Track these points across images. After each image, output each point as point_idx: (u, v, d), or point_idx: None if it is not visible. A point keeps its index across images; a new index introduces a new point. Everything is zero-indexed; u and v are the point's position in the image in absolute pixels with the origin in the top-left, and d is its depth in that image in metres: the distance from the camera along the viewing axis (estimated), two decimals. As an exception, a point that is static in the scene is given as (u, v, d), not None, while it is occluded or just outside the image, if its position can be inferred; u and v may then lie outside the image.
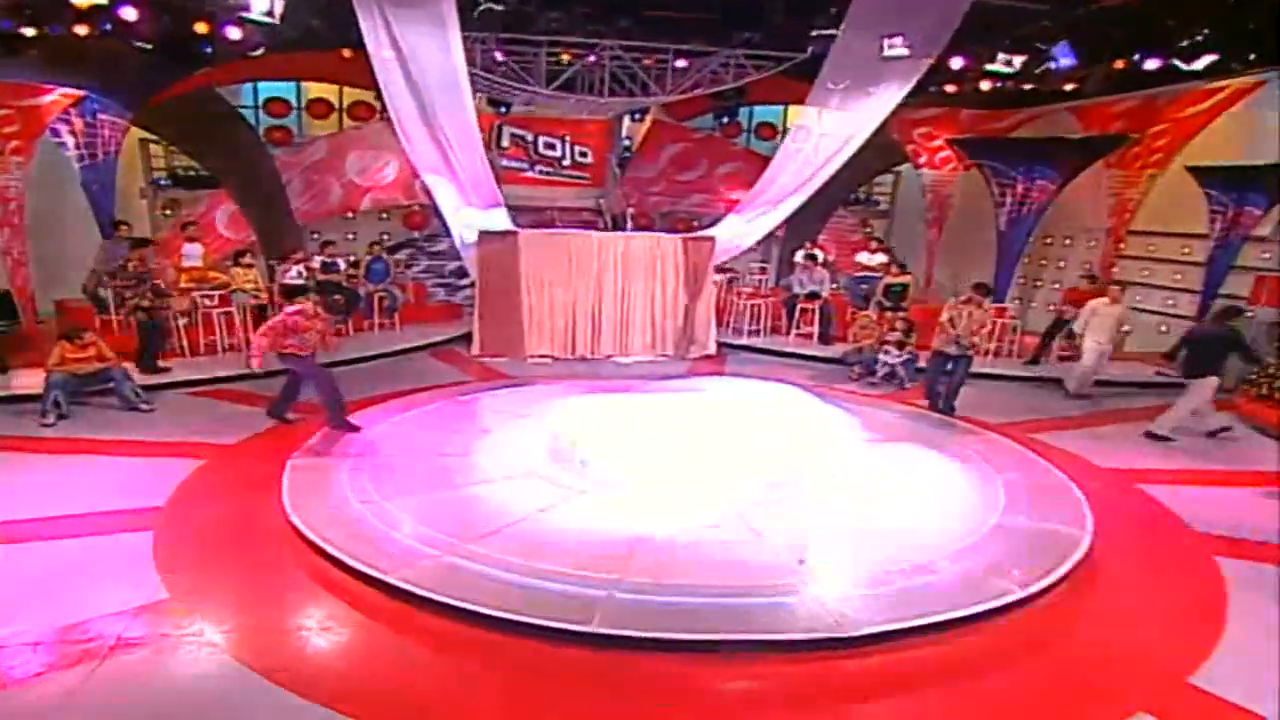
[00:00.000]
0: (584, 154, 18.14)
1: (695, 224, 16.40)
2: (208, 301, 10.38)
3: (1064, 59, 9.59)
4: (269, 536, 5.57)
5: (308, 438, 7.39)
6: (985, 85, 14.51)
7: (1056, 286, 14.75)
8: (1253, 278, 11.48)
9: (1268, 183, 11.53)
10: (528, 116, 16.82)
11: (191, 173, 13.54)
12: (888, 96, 10.38)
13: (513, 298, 11.52)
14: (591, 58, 11.84)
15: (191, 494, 6.26)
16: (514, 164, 16.53)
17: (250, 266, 10.80)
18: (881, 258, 14.18)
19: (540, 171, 17.95)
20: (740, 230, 12.27)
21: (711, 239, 12.24)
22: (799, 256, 14.16)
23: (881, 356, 10.86)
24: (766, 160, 16.89)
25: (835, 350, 12.16)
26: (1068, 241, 15.32)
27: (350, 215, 14.90)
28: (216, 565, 5.15)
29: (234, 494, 6.25)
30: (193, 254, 11.27)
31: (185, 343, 10.17)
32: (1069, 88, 15.03)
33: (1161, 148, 13.55)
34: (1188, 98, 12.64)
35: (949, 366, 8.82)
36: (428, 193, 10.86)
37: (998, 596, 4.70)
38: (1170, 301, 13.12)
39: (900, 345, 10.92)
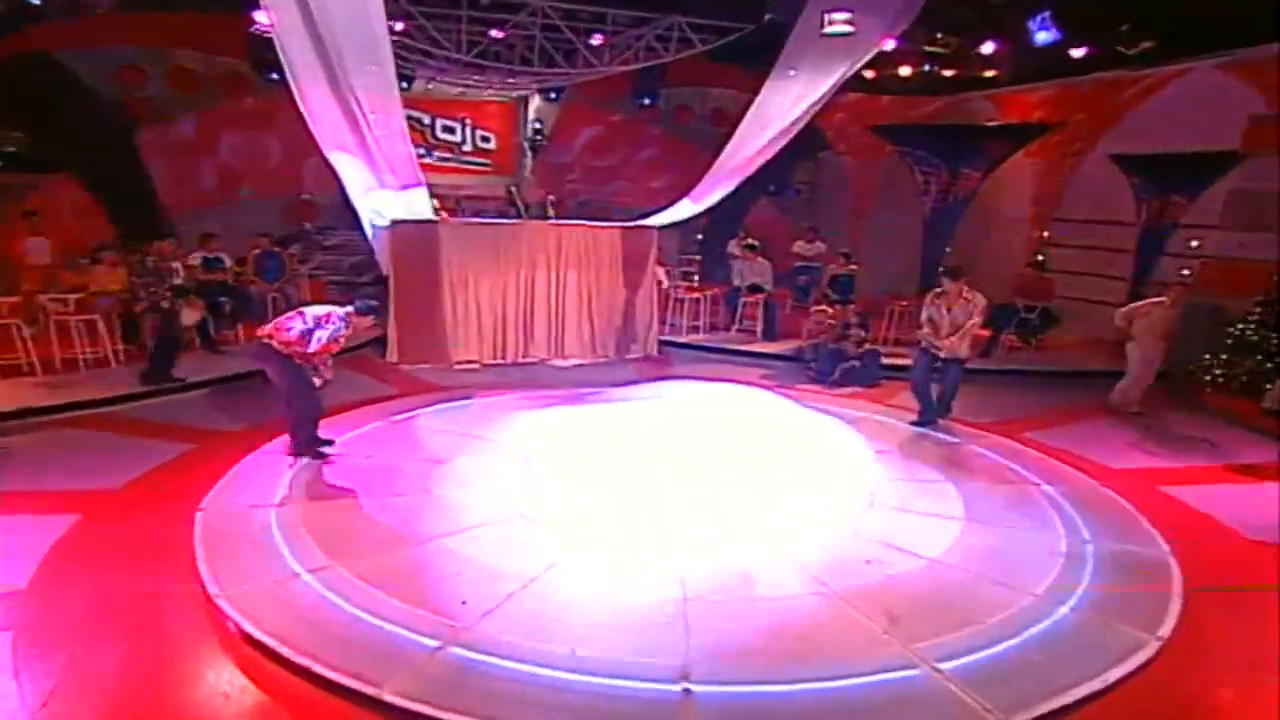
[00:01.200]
0: (486, 138, 16.76)
1: (611, 213, 15.36)
2: (60, 307, 8.46)
3: (1042, 33, 9.06)
4: (181, 627, 4.14)
5: (215, 477, 5.87)
6: (905, 71, 14.19)
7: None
8: (1190, 264, 11.45)
9: (1194, 171, 11.56)
10: (423, 97, 15.32)
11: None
12: (839, 75, 9.61)
13: (434, 297, 10.14)
14: (497, 33, 10.58)
15: (65, 566, 4.68)
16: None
17: (116, 265, 8.90)
18: (820, 247, 13.56)
19: (439, 158, 16.44)
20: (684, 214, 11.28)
21: (652, 229, 11.24)
22: (733, 248, 13.38)
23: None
24: (685, 145, 16.25)
25: (784, 347, 11.40)
26: (993, 230, 15.10)
27: (227, 203, 12.95)
28: (107, 676, 3.71)
29: (126, 562, 4.72)
30: (38, 250, 9.23)
31: (34, 359, 8.22)
32: (989, 74, 14.96)
33: (1082, 136, 13.53)
34: (1109, 86, 12.60)
35: (937, 366, 8.09)
36: (333, 174, 9.30)
37: (1134, 650, 3.92)
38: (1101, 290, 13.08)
39: (860, 343, 10.30)
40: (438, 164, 16.14)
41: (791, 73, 9.33)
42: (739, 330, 12.30)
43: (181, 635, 4.07)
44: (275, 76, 12.34)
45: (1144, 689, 3.76)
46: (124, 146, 11.39)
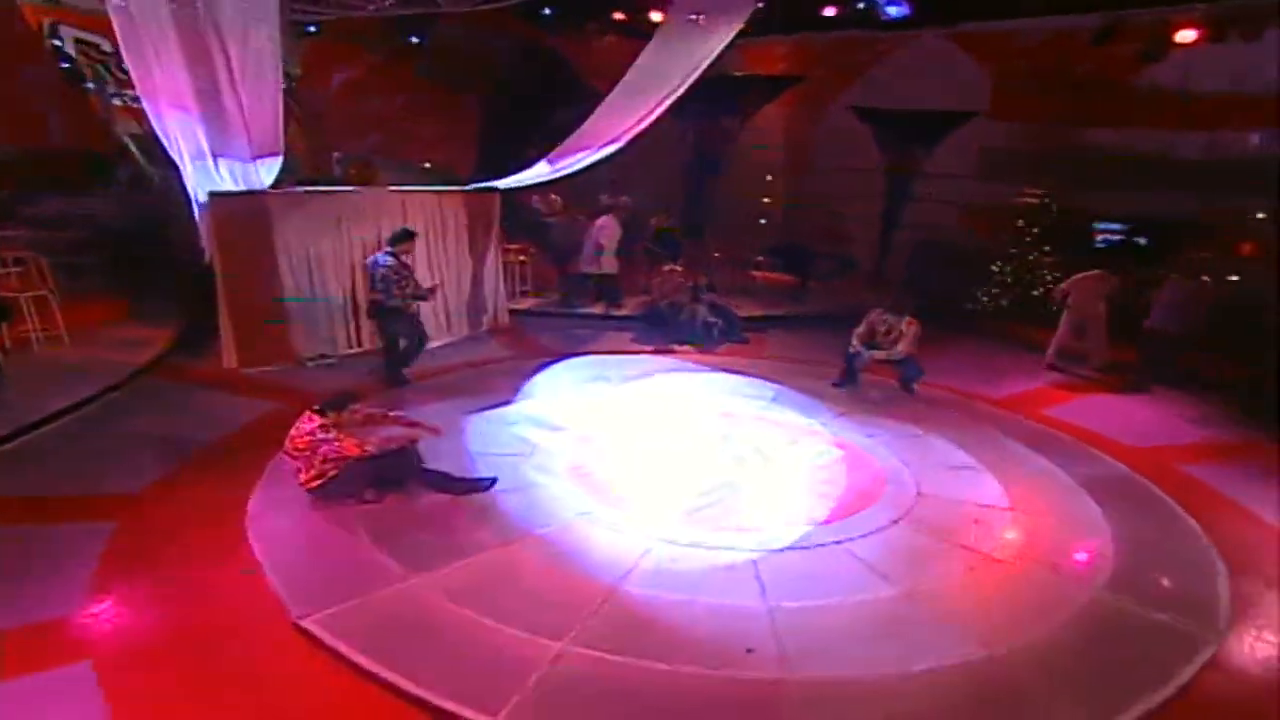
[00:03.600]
0: (190, 74, 13.86)
1: (378, 168, 13.86)
2: None
3: (892, 7, 9.86)
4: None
5: (216, 579, 4.56)
6: (657, 16, 14.48)
7: (764, 222, 15.66)
8: (933, 208, 13.52)
9: (927, 126, 13.65)
10: (97, 16, 12.26)
11: None
12: (727, 29, 9.58)
13: (271, 283, 8.47)
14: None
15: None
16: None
17: None
18: (624, 201, 13.55)
19: (130, 99, 13.30)
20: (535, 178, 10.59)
21: (495, 192, 10.44)
22: (539, 204, 12.90)
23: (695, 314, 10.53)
24: (450, 93, 15.03)
25: (628, 307, 11.46)
26: (751, 178, 16.16)
27: None
28: None
29: None
30: None
31: None
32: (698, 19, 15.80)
33: (825, 89, 15.02)
34: (848, 44, 14.15)
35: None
36: (154, 134, 7.22)
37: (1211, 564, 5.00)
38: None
39: (713, 306, 10.65)
40: (128, 106, 13.03)
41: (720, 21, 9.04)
42: (574, 292, 12.05)
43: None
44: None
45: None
46: None
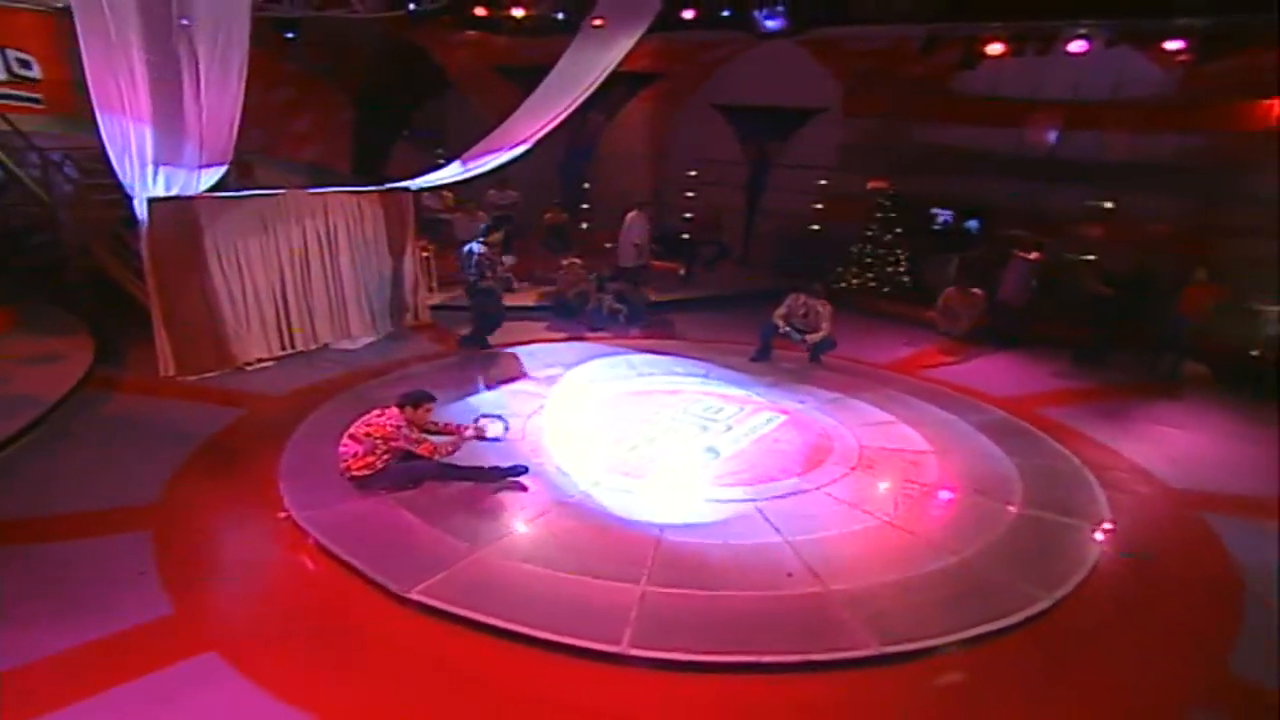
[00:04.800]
0: (26, 63, 12.93)
1: (255, 165, 13.47)
2: None
3: (770, 21, 10.83)
4: None
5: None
6: (519, 12, 14.95)
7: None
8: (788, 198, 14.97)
9: (778, 122, 15.10)
10: None
11: None
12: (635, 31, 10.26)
13: (204, 288, 8.43)
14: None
15: None
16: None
17: None
18: (513, 195, 14.03)
19: None
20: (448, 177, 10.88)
21: (409, 191, 10.62)
22: (432, 202, 13.19)
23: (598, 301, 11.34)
24: (324, 86, 14.76)
25: (533, 297, 11.99)
26: (618, 169, 16.94)
27: None
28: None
29: None
30: None
31: None
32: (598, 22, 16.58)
33: (683, 86, 16.12)
34: (703, 45, 15.23)
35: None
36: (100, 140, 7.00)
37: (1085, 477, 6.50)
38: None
39: (619, 295, 11.42)
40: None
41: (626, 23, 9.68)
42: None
43: None
44: None
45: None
46: None
